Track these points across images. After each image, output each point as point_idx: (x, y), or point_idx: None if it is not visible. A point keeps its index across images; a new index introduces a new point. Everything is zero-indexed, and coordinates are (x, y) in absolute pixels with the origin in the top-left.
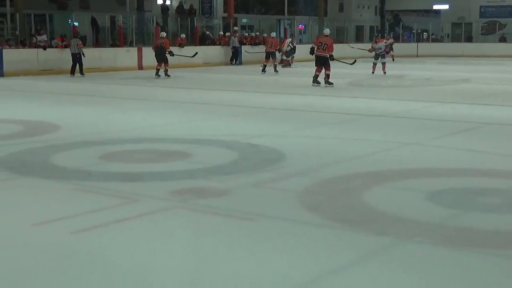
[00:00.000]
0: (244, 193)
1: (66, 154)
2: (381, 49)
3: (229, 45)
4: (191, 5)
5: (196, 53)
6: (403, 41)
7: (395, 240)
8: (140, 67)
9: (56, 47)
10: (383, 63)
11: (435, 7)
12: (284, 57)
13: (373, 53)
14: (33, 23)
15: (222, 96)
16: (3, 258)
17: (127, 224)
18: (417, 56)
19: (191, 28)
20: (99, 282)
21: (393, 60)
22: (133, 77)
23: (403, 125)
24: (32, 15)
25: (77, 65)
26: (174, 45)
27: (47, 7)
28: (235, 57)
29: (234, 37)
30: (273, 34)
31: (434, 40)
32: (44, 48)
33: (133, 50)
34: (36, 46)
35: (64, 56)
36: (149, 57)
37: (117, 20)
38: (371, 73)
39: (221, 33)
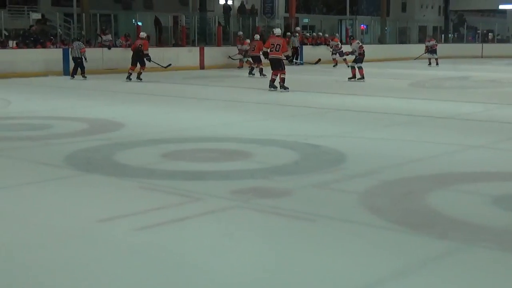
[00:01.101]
0: (306, 194)
1: (130, 152)
2: (355, 51)
3: (290, 44)
4: (252, 5)
5: (170, 64)
6: (467, 41)
7: (460, 244)
8: (202, 66)
9: (120, 46)
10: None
11: (501, 7)
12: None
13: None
14: (98, 23)
15: (281, 96)
16: (68, 255)
17: (189, 223)
18: (481, 57)
19: (252, 28)
20: (161, 280)
21: (437, 64)
22: (195, 76)
23: (467, 127)
24: (98, 15)
25: (78, 68)
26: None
27: (112, 7)
28: (297, 56)
29: (295, 37)
30: (257, 37)
31: (499, 41)
32: (109, 48)
33: (195, 50)
34: (101, 45)
35: (128, 55)
36: (211, 57)
37: (180, 20)
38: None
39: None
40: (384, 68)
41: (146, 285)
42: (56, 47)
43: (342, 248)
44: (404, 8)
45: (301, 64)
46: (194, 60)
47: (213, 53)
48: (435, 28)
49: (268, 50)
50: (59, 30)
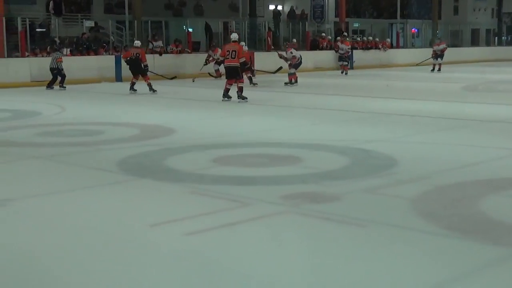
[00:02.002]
0: (356, 199)
1: (180, 157)
2: (343, 50)
3: (338, 50)
4: (302, 10)
5: (175, 77)
6: None
7: None
8: (253, 73)
9: (171, 52)
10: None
11: None
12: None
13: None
14: (149, 30)
15: (331, 100)
16: (121, 258)
17: (239, 228)
18: None
19: (302, 33)
20: (209, 284)
21: (439, 70)
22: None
23: None
24: (149, 22)
25: (57, 78)
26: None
27: (163, 14)
28: (348, 61)
29: (343, 41)
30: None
31: None
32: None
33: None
34: (152, 52)
35: (178, 62)
36: (260, 61)
37: (230, 26)
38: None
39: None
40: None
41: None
42: (109, 54)
43: (392, 254)
44: (456, 11)
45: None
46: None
47: (263, 58)
48: (488, 31)
49: (224, 58)
50: (111, 37)
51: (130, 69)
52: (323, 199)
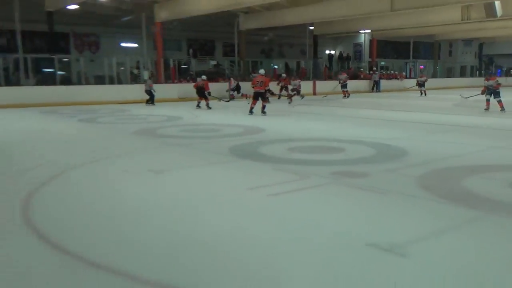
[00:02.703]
0: (379, 176)
1: (267, 147)
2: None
3: (372, 79)
4: (347, 54)
5: (230, 100)
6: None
7: (484, 214)
8: (314, 93)
9: None
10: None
11: None
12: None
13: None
14: (250, 66)
15: (366, 112)
16: (229, 208)
17: (303, 191)
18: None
19: (346, 68)
20: (284, 226)
21: (425, 94)
22: (310, 99)
23: (492, 134)
24: (250, 61)
25: (153, 96)
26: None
27: (259, 56)
28: (376, 87)
29: (375, 73)
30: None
31: None
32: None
33: (310, 82)
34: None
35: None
36: (320, 87)
37: (301, 64)
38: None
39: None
40: (435, 94)
41: (277, 230)
42: (224, 81)
43: (401, 211)
44: (450, 53)
45: (379, 91)
46: (308, 88)
47: (321, 84)
48: (472, 67)
49: (253, 86)
50: (226, 71)
51: (197, 93)
52: (357, 175)
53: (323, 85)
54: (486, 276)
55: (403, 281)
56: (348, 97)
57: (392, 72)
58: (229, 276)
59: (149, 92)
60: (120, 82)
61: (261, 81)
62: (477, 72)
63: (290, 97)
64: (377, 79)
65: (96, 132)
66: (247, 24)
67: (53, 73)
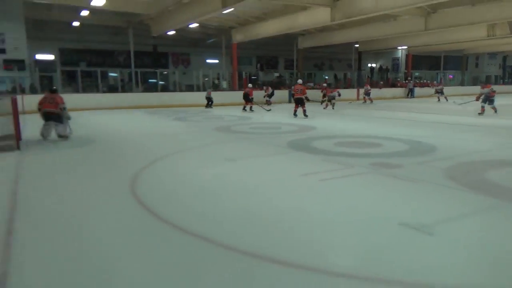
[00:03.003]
0: (412, 167)
1: (318, 142)
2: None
3: (407, 87)
4: (386, 66)
5: (270, 109)
6: None
7: (504, 202)
8: (358, 98)
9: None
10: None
11: None
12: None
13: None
14: (305, 77)
15: (401, 114)
16: (285, 190)
17: (347, 178)
18: None
19: (385, 79)
20: (330, 206)
21: (447, 100)
22: (354, 104)
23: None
24: (306, 73)
25: (212, 102)
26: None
27: (312, 69)
28: (411, 94)
29: (410, 82)
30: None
31: None
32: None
33: (354, 90)
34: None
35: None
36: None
37: (348, 75)
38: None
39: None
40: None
41: (324, 208)
42: (284, 90)
43: (430, 197)
44: (476, 65)
45: (413, 97)
46: (353, 95)
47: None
48: (496, 76)
49: (294, 93)
50: (287, 81)
51: (243, 98)
52: (392, 166)
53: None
54: (506, 253)
55: (430, 256)
56: (371, 103)
57: (425, 81)
58: (286, 245)
59: (208, 98)
60: (204, 89)
61: (300, 89)
62: (501, 81)
63: (324, 102)
64: (411, 87)
65: (186, 128)
66: (304, 43)
67: (156, 83)
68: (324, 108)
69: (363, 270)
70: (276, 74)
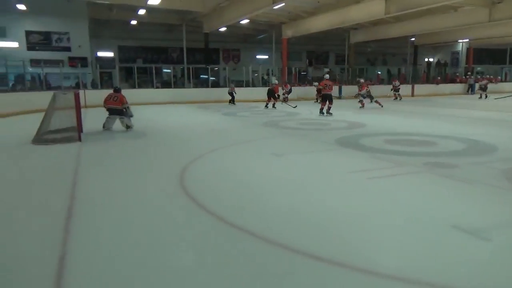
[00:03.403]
0: (468, 167)
1: (367, 139)
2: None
3: (467, 83)
4: (445, 60)
5: (296, 106)
6: None
7: None
8: (412, 94)
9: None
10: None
11: None
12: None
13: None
14: (357, 72)
15: (460, 111)
16: (330, 189)
17: (397, 177)
18: None
19: (444, 74)
20: (378, 205)
21: (486, 97)
22: (408, 100)
23: None
24: (357, 69)
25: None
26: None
27: (365, 64)
28: (471, 90)
29: (471, 78)
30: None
31: None
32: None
33: (409, 86)
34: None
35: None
36: (418, 90)
37: (401, 70)
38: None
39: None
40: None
41: (372, 207)
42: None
43: (486, 199)
44: None
45: (473, 93)
46: (408, 91)
47: (420, 88)
48: None
49: (322, 88)
50: (337, 76)
51: (267, 94)
52: (447, 166)
53: (421, 88)
54: None
55: (483, 262)
56: (400, 99)
57: (487, 76)
58: (329, 242)
59: (231, 93)
60: (253, 85)
61: (328, 85)
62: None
63: (361, 100)
64: (472, 82)
65: (235, 123)
66: (356, 37)
67: (207, 79)
68: (360, 107)
69: (411, 273)
70: (326, 70)
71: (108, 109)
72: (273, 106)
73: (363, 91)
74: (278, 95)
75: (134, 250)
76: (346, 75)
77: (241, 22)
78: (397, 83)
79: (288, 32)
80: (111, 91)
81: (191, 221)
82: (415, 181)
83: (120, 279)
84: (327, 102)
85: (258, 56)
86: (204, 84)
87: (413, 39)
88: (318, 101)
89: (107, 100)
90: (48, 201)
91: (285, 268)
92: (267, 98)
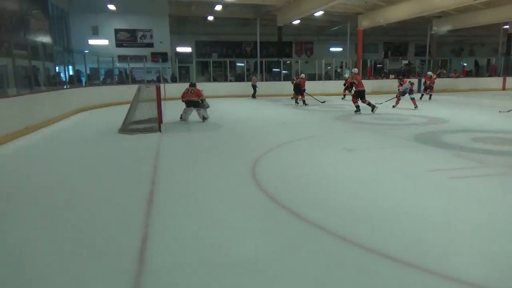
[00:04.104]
0: None
1: (450, 136)
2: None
3: None
4: None
5: (325, 101)
6: None
7: None
8: (504, 88)
9: (451, 77)
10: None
11: None
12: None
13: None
14: (439, 64)
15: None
16: (405, 188)
17: (481, 178)
18: None
19: None
20: (458, 208)
21: None
22: (496, 94)
23: None
24: (440, 60)
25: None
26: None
27: (448, 55)
28: None
29: None
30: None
31: None
32: (440, 76)
33: (500, 79)
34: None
35: (449, 82)
36: (510, 83)
37: (491, 61)
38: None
39: None
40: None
41: (451, 210)
42: (414, 78)
43: None
44: None
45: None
46: (498, 84)
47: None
48: None
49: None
50: (417, 69)
51: (294, 90)
52: None
53: None
54: None
55: None
56: (429, 99)
57: None
58: (404, 243)
59: (254, 87)
60: (327, 78)
61: (359, 81)
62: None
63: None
64: None
65: (306, 116)
66: (440, 26)
67: (279, 72)
68: (393, 106)
69: (499, 283)
70: (405, 62)
71: (185, 102)
72: (304, 103)
73: (405, 86)
74: (304, 90)
75: (206, 237)
76: (427, 67)
77: (315, 14)
78: (428, 82)
79: (364, 23)
80: (187, 85)
81: (263, 214)
82: (503, 184)
83: (194, 262)
84: (360, 99)
85: (331, 49)
86: (276, 77)
87: (506, 26)
88: (345, 97)
89: (184, 94)
90: (132, 186)
91: (359, 266)
92: (293, 93)
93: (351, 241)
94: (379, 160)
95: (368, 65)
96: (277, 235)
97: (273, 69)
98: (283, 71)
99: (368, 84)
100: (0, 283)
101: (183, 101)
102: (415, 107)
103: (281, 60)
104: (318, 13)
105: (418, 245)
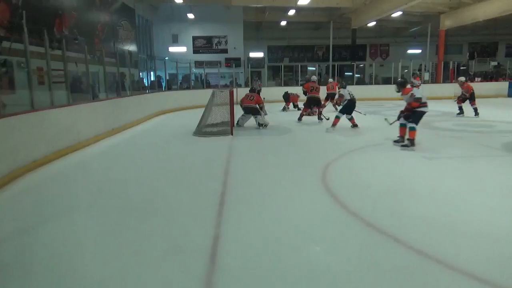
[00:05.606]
0: None
1: None
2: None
3: None
4: None
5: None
6: None
7: None
8: None
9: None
10: None
11: None
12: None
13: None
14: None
15: None
16: (488, 206)
17: None
18: None
19: None
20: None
21: None
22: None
23: None
24: (455, 63)
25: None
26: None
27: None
28: None
29: None
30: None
31: None
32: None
33: None
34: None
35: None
36: None
37: None
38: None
39: None
40: None
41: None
42: (505, 81)
43: None
44: None
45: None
46: None
47: None
48: None
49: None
50: (508, 71)
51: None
52: None
53: None
54: None
55: None
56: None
57: None
58: (490, 263)
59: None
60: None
61: (315, 87)
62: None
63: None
64: None
65: (379, 121)
66: None
67: (351, 76)
68: (458, 113)
69: None
70: (493, 63)
71: (244, 108)
72: (320, 117)
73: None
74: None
75: (276, 240)
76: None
77: (392, 15)
78: (463, 91)
79: (447, 23)
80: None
81: (334, 221)
82: None
83: (265, 264)
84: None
85: (409, 51)
86: (349, 81)
87: None
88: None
89: (244, 100)
90: (205, 187)
91: (437, 284)
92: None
93: (428, 255)
94: (461, 170)
95: (451, 67)
96: (347, 243)
97: (346, 73)
98: (356, 75)
99: (450, 88)
100: (84, 270)
101: (241, 106)
102: (475, 114)
103: (354, 64)
104: (396, 14)
105: (506, 267)
